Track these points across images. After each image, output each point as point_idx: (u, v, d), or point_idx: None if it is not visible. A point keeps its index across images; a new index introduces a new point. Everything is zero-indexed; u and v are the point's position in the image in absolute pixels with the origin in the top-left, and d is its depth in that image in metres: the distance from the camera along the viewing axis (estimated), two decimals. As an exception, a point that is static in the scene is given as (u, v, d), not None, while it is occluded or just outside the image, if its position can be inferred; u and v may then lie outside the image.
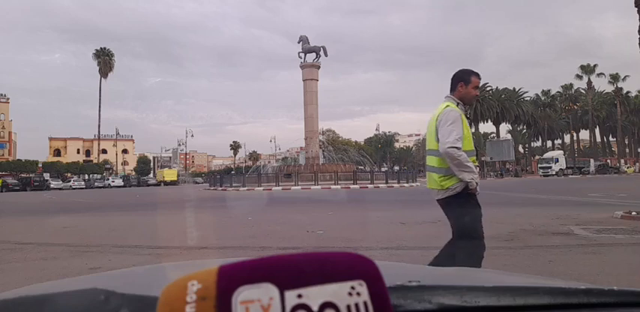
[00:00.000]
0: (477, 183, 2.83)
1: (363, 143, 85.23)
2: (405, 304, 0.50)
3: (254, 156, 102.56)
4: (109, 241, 6.76)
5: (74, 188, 48.12)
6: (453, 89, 3.05)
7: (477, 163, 2.95)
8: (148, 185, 55.85)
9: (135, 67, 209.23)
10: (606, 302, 0.56)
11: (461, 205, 2.90)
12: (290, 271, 0.38)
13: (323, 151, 39.77)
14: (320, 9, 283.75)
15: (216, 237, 6.98)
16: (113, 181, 54.33)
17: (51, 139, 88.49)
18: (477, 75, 3.05)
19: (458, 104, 2.99)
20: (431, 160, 3.01)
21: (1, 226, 9.81)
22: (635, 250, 5.33)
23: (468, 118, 3.05)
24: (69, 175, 65.43)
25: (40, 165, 64.69)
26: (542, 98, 71.55)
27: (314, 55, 35.34)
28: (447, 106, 2.94)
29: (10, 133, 74.35)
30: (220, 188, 31.09)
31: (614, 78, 64.60)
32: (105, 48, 62.23)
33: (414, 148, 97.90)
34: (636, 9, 9.30)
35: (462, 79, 3.01)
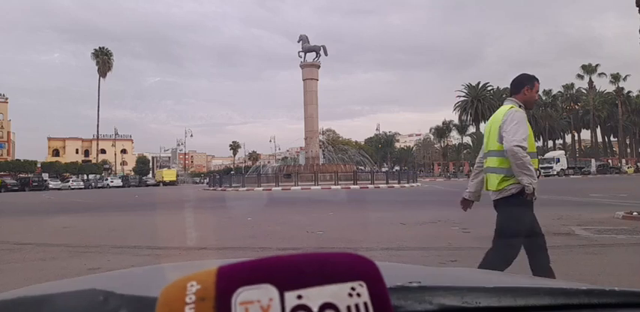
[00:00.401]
0: (534, 188, 2.79)
1: (363, 143, 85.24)
2: (406, 305, 0.50)
3: (254, 156, 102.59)
4: (108, 241, 6.76)
5: (73, 188, 48.13)
6: (516, 92, 3.08)
7: (537, 166, 2.92)
8: (147, 185, 55.88)
9: (134, 67, 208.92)
10: (607, 303, 0.56)
11: (511, 207, 2.88)
12: (290, 272, 0.38)
13: (323, 151, 39.77)
14: (320, 9, 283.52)
15: (215, 237, 6.98)
16: (112, 182, 54.34)
17: (50, 139, 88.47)
18: (538, 80, 3.13)
19: (520, 107, 3.03)
20: (491, 161, 3.01)
21: (0, 227, 9.81)
22: (637, 251, 5.33)
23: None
24: (67, 175, 65.42)
25: (38, 165, 64.65)
26: (544, 98, 71.62)
27: (314, 54, 35.34)
28: (511, 107, 2.98)
29: (8, 132, 74.37)
30: (220, 188, 31.11)
31: (615, 78, 64.66)
32: (103, 47, 62.30)
33: (414, 148, 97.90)
34: (637, 9, 9.30)
35: (528, 84, 3.07)
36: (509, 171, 2.85)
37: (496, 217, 2.98)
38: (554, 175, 48.38)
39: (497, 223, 2.96)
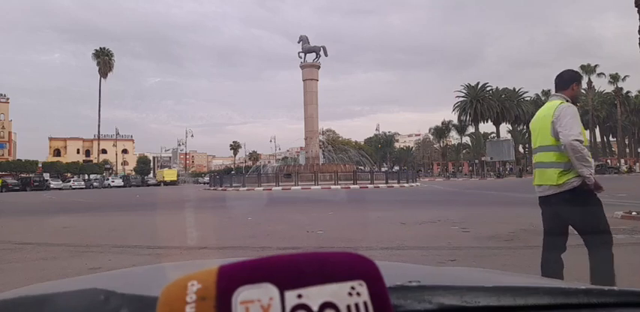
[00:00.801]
0: (594, 179, 2.83)
1: (363, 143, 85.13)
2: (405, 305, 0.50)
3: (254, 156, 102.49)
4: (108, 241, 6.76)
5: (74, 188, 48.11)
6: (564, 88, 3.11)
7: (591, 159, 2.96)
8: (148, 185, 55.92)
9: (135, 67, 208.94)
10: (606, 302, 0.56)
11: (581, 200, 2.89)
12: (290, 272, 0.38)
13: (323, 151, 39.74)
14: (320, 9, 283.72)
15: (216, 237, 6.98)
16: (113, 181, 54.34)
17: (51, 139, 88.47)
18: (581, 76, 3.21)
19: (567, 101, 3.05)
20: (546, 156, 3.01)
21: (1, 226, 9.81)
22: (636, 250, 5.33)
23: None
24: (69, 175, 65.42)
25: (39, 165, 64.66)
26: (543, 98, 71.43)
27: (314, 55, 35.32)
28: (562, 102, 3.00)
29: (10, 133, 74.34)
30: (220, 188, 31.10)
31: (614, 78, 64.64)
32: (104, 48, 62.23)
33: (414, 148, 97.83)
34: (636, 9, 9.30)
35: (576, 80, 3.13)
36: (567, 165, 2.87)
37: (545, 218, 3.01)
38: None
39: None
